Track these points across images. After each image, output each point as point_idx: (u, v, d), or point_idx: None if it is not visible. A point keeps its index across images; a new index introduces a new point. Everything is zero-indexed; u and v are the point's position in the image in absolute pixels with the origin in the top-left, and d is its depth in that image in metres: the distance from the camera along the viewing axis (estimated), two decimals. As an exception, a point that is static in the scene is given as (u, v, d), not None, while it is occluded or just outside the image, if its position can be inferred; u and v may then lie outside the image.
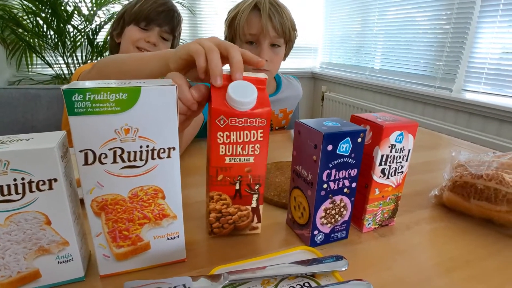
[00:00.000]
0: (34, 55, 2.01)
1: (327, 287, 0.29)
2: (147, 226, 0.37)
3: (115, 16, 1.06)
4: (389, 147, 0.43)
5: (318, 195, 0.40)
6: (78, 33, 1.88)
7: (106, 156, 0.33)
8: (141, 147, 0.34)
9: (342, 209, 0.43)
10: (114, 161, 0.33)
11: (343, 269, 0.32)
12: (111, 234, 0.36)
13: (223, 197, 0.42)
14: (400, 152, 0.44)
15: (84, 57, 2.01)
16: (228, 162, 0.40)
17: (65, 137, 0.35)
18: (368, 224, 0.48)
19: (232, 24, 0.91)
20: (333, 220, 0.43)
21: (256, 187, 0.43)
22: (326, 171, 0.39)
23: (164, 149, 0.34)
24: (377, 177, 0.44)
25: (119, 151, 0.33)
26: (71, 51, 1.92)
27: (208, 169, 0.42)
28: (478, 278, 0.40)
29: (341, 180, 0.41)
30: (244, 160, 0.41)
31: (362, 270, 0.40)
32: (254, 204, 0.43)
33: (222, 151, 0.40)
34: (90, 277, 0.38)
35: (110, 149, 0.33)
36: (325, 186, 0.40)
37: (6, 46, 1.96)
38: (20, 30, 1.89)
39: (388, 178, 0.45)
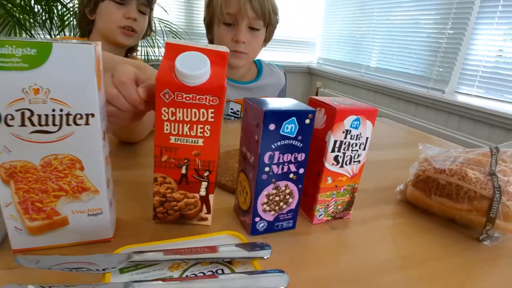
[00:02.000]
0: (23, 32, 1.96)
1: (238, 275, 0.26)
2: (64, 199, 0.34)
3: None
4: (343, 132, 0.40)
5: (259, 178, 0.37)
6: (66, 11, 1.83)
7: (13, 118, 0.29)
8: (53, 110, 0.30)
9: (287, 196, 0.40)
10: (23, 124, 0.30)
11: (265, 257, 0.29)
12: (23, 205, 0.33)
13: (168, 181, 0.38)
14: (356, 139, 0.41)
15: (72, 36, 1.96)
16: (174, 142, 0.36)
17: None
18: (320, 215, 0.44)
19: (211, 4, 0.88)
20: (277, 207, 0.40)
21: (206, 174, 0.38)
22: (268, 153, 0.36)
23: (81, 115, 0.31)
24: (329, 164, 0.41)
25: (27, 113, 0.30)
26: (59, 29, 1.87)
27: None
28: (428, 279, 0.37)
29: (286, 164, 0.38)
30: (192, 142, 0.37)
31: (302, 263, 0.37)
32: (203, 192, 0.39)
33: (166, 129, 0.36)
34: (3, 251, 0.35)
35: (17, 110, 0.29)
36: (267, 169, 0.37)
37: (-6, 21, 1.91)
38: (9, 5, 1.84)
39: (342, 166, 0.42)
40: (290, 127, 0.36)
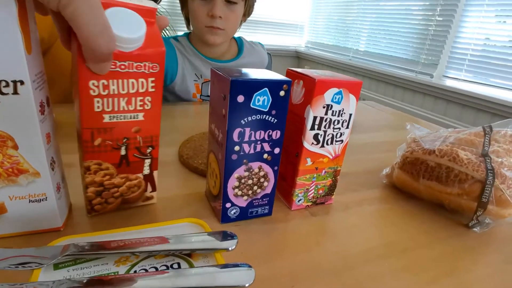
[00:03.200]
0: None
1: (194, 270, 0.22)
2: (-4, 183, 0.29)
3: None
4: (323, 107, 0.36)
5: (228, 158, 0.33)
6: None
7: None
8: (-30, 75, 0.25)
9: (261, 179, 0.36)
10: None
11: (230, 248, 0.25)
12: None
13: (104, 167, 0.33)
14: (338, 116, 0.37)
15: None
16: (109, 121, 0.31)
17: None
18: (299, 201, 0.41)
19: None
20: (250, 192, 0.36)
21: (149, 151, 0.34)
22: (237, 129, 0.32)
23: (6, 82, 0.26)
24: (308, 144, 0.37)
25: None
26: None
27: (79, 132, 0.32)
28: (411, 269, 0.34)
29: (258, 142, 0.33)
30: (131, 118, 0.32)
31: (276, 253, 0.33)
32: (146, 171, 0.35)
33: (98, 107, 0.30)
34: None
35: None
36: (236, 148, 0.33)
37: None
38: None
39: (323, 146, 0.38)
40: (262, 100, 0.31)
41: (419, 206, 0.46)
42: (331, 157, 0.39)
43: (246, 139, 0.32)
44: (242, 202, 0.36)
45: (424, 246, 0.37)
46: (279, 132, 0.34)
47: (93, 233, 0.27)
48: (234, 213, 0.36)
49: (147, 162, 0.34)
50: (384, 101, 2.09)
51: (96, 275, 0.22)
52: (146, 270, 0.23)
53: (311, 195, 0.41)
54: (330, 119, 0.37)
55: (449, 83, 1.76)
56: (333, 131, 0.38)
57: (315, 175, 0.40)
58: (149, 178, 0.36)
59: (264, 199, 0.37)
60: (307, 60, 2.91)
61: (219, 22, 0.82)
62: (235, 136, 0.32)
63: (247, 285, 0.21)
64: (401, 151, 0.49)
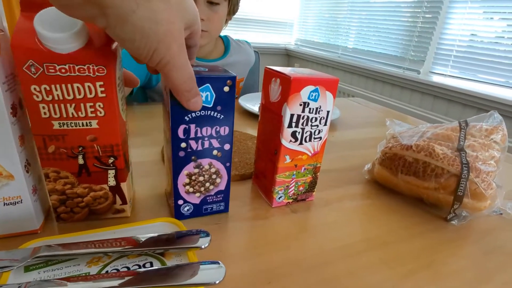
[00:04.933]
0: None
1: (162, 269, 0.22)
2: (-31, 186, 0.28)
3: None
4: (300, 105, 0.36)
5: (175, 155, 0.33)
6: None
7: None
8: None
9: (213, 176, 0.36)
10: None
11: (203, 247, 0.25)
12: None
13: (63, 175, 0.31)
14: (316, 113, 0.37)
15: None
16: (59, 128, 0.29)
17: None
18: (279, 198, 0.41)
19: None
20: (202, 188, 0.36)
21: (111, 161, 0.32)
22: (182, 126, 0.31)
23: (-25, 83, 0.25)
24: (286, 141, 0.37)
25: None
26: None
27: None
28: (389, 263, 0.34)
29: (206, 139, 0.33)
30: (83, 125, 0.29)
31: (253, 250, 0.34)
32: (112, 182, 0.33)
33: (45, 113, 0.28)
34: None
35: None
36: (183, 145, 0.32)
37: None
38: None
39: (301, 144, 0.38)
40: (205, 95, 0.31)
41: (400, 201, 0.46)
42: (310, 154, 0.40)
43: (192, 135, 0.32)
44: (195, 199, 0.36)
45: (404, 240, 0.38)
46: (227, 128, 0.34)
47: (67, 234, 0.27)
48: (188, 210, 0.36)
49: (111, 173, 0.33)
50: (372, 98, 2.11)
51: (67, 275, 0.22)
52: (118, 270, 0.23)
53: (291, 192, 0.41)
54: (308, 117, 0.37)
55: (436, 79, 1.78)
56: (311, 128, 0.38)
57: (294, 172, 0.40)
58: (116, 190, 0.34)
59: (219, 196, 0.37)
60: (297, 57, 2.92)
61: (202, 24, 0.81)
62: (180, 133, 0.32)
63: (217, 282, 0.21)
64: (382, 147, 0.49)
